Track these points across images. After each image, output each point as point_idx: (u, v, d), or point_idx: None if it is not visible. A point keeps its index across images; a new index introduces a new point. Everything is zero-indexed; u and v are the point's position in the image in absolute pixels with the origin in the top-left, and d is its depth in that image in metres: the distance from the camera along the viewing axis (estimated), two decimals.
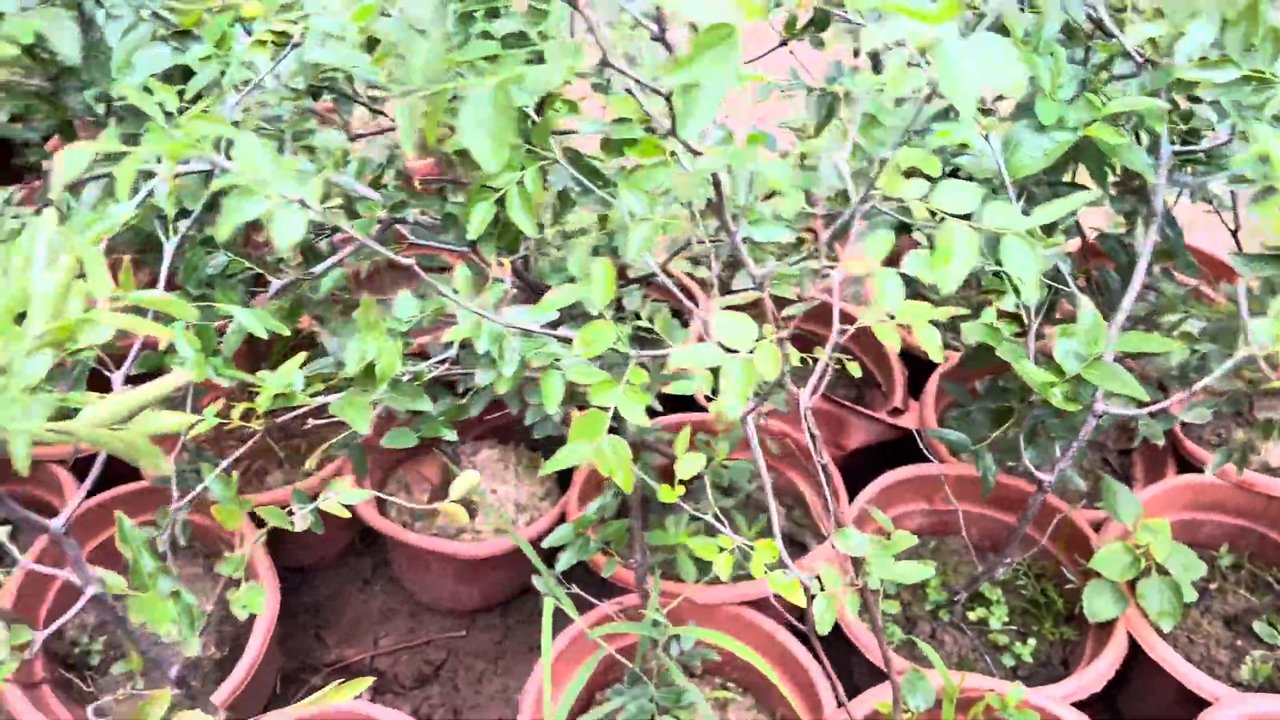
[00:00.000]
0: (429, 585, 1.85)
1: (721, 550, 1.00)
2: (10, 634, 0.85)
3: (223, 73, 1.10)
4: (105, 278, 0.75)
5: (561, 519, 1.67)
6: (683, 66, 0.63)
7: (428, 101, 0.70)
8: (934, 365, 1.92)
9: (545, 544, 1.37)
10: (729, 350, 0.83)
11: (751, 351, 0.83)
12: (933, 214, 0.83)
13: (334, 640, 1.84)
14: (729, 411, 0.80)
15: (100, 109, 1.37)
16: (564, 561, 1.34)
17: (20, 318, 0.79)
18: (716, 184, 0.92)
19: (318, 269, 1.11)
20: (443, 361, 1.00)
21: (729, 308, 0.89)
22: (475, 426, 1.97)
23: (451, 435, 1.04)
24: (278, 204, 0.68)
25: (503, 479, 1.89)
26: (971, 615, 1.59)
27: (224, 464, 1.01)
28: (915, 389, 1.92)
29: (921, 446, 1.72)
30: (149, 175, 1.12)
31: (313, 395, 0.92)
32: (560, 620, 1.48)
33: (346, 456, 1.46)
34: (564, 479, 1.91)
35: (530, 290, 1.17)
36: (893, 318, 1.05)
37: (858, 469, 1.79)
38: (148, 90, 0.98)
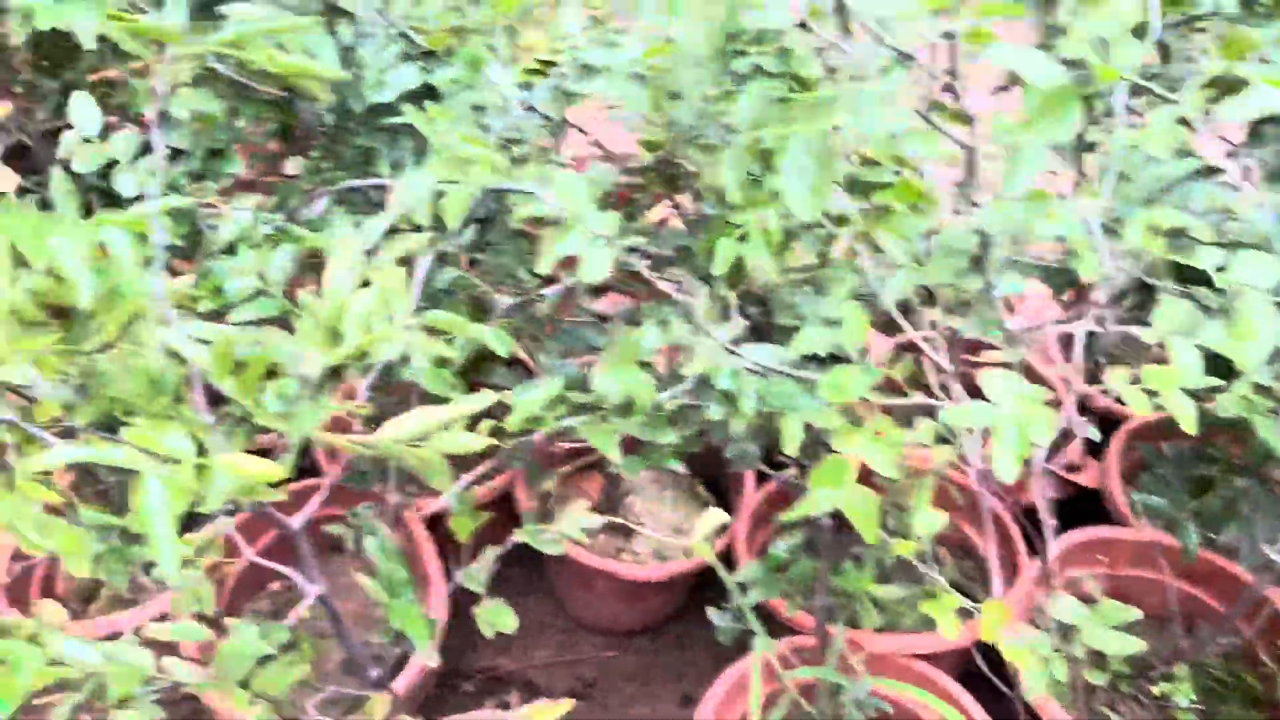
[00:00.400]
0: (586, 603, 1.86)
1: (947, 609, 0.98)
2: (272, 633, 0.88)
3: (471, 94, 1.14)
4: (406, 297, 0.77)
5: (727, 549, 1.67)
6: (1026, 127, 0.62)
7: (748, 147, 0.71)
8: (1115, 423, 1.86)
9: (738, 579, 1.36)
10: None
11: (1021, 412, 0.82)
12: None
13: (488, 649, 1.86)
14: (1004, 475, 0.78)
15: (329, 120, 1.43)
16: (752, 598, 1.34)
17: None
18: (984, 236, 0.91)
19: (548, 291, 1.13)
20: (681, 394, 1.00)
21: (979, 365, 0.87)
22: (633, 446, 1.98)
23: (680, 468, 1.04)
24: (586, 239, 0.69)
25: (660, 500, 1.90)
26: (1153, 689, 1.52)
27: (467, 479, 1.03)
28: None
29: (1124, 507, 1.66)
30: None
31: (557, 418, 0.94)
32: (725, 653, 1.47)
33: (521, 469, 1.48)
34: (722, 504, 1.91)
35: (752, 327, 1.17)
36: (1138, 381, 1.02)
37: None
38: (413, 109, 1.02)
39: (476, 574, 1.03)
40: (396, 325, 0.76)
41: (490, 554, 1.06)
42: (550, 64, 1.03)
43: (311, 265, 1.37)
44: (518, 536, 0.99)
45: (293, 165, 1.44)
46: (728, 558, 1.71)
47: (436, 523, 1.67)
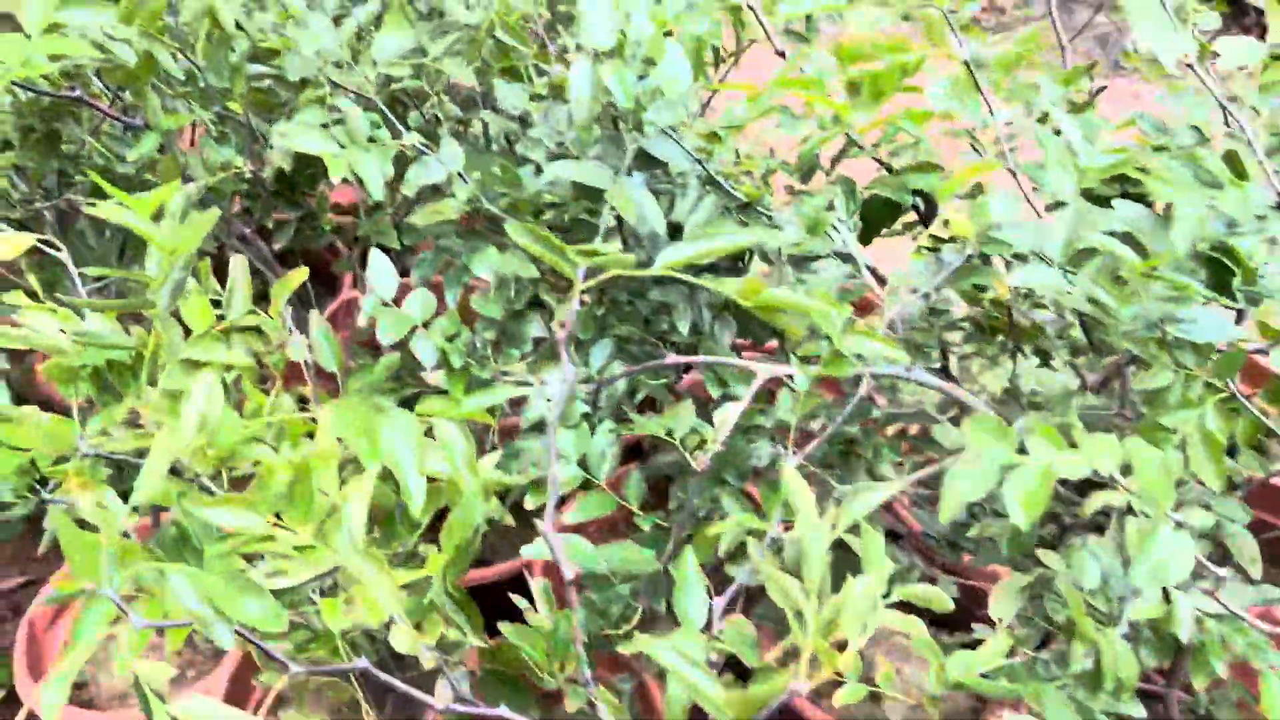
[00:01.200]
0: None
1: None
2: None
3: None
4: (885, 571, 0.64)
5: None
6: None
7: None
8: None
9: None
10: None
11: None
12: None
13: None
14: None
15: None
16: None
17: None
18: None
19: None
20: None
21: None
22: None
23: None
24: (1172, 535, 0.55)
25: (905, 652, 1.73)
26: None
27: None
28: None
29: None
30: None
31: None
32: None
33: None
34: None
35: None
36: None
37: None
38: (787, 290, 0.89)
39: None
40: (879, 609, 0.63)
41: None
42: (942, 240, 0.89)
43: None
44: None
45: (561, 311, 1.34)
46: None
47: None
